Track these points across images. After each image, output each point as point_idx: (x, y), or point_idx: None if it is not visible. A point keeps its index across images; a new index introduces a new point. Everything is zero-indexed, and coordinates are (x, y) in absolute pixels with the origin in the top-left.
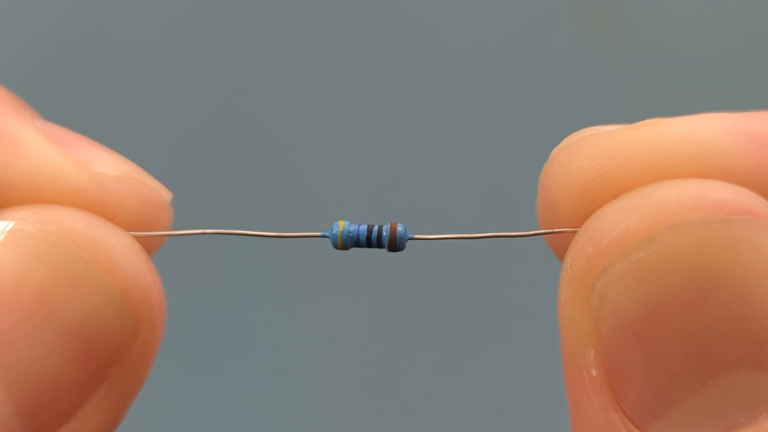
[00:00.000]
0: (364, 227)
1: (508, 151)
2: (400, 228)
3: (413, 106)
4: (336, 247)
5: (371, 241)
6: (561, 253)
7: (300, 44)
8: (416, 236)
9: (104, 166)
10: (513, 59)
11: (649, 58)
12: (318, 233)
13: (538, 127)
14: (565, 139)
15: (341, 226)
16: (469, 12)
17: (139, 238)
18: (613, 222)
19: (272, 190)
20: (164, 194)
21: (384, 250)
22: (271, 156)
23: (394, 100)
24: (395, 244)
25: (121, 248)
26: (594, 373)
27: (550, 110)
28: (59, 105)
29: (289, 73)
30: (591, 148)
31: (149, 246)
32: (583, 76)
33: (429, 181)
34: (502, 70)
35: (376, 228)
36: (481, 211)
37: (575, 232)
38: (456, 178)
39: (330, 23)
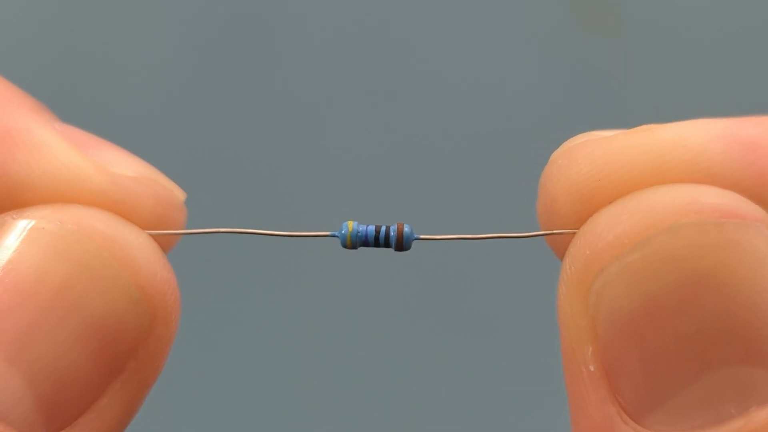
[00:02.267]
0: (372, 227)
1: (511, 153)
2: (406, 228)
3: (418, 109)
4: (345, 246)
5: (379, 240)
6: (561, 252)
7: (307, 43)
8: (422, 236)
9: (122, 167)
10: (518, 61)
11: (649, 59)
12: (328, 233)
13: (542, 130)
14: (564, 143)
15: (350, 226)
16: (471, 16)
17: (155, 237)
18: (610, 225)
19: (284, 191)
20: (179, 194)
21: (391, 250)
22: (283, 159)
23: (401, 103)
24: (402, 244)
25: (138, 246)
26: (592, 368)
27: (554, 112)
28: (73, 107)
29: (299, 74)
30: (589, 153)
31: (164, 244)
32: (586, 77)
33: (435, 183)
34: (507, 71)
35: (383, 228)
36: (485, 213)
37: (574, 233)
38: (461, 180)
39: (335, 22)
